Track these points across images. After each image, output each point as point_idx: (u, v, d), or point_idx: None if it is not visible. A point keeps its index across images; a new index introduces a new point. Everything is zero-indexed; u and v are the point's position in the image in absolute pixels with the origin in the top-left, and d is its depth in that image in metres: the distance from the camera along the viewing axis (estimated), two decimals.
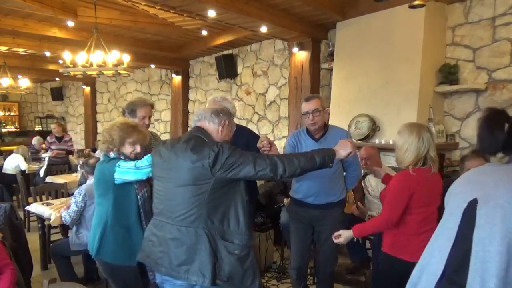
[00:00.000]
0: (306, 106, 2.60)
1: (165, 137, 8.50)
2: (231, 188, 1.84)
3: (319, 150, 1.97)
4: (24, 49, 6.41)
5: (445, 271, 1.33)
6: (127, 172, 2.11)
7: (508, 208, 1.20)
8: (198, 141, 1.86)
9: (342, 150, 1.98)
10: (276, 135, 6.33)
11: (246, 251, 1.85)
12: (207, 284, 1.74)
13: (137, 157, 2.23)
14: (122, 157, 2.20)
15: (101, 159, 2.30)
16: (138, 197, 2.20)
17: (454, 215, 1.36)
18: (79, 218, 3.21)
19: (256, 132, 5.27)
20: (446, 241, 1.36)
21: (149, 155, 2.13)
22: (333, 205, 2.70)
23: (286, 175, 1.83)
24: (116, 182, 2.13)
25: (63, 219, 3.25)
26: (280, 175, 1.81)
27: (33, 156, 7.38)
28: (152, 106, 2.74)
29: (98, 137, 9.95)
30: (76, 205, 3.17)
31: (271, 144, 2.37)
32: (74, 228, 3.25)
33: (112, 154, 2.21)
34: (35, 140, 7.90)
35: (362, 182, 3.54)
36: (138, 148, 2.23)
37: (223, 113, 2.00)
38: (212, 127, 1.95)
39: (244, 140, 2.64)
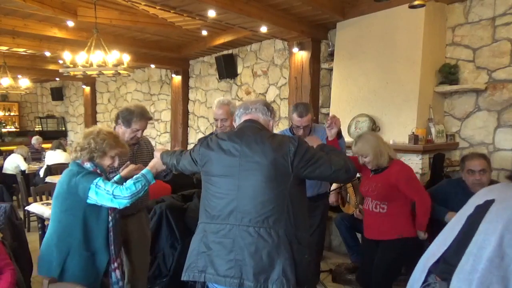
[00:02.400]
0: (298, 121, 2.70)
1: (165, 137, 8.50)
2: (300, 188, 1.75)
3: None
4: (24, 49, 6.40)
5: (444, 255, 1.44)
6: (102, 196, 1.89)
7: None
8: (269, 133, 1.75)
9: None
10: None
11: (311, 255, 1.73)
12: None
13: (113, 171, 2.13)
14: (98, 170, 2.01)
15: (70, 167, 2.02)
16: (110, 218, 2.01)
17: (467, 210, 1.47)
18: None
19: None
20: (451, 231, 1.47)
21: (131, 182, 1.93)
22: (321, 196, 2.99)
23: (353, 175, 1.74)
24: (88, 201, 1.92)
25: None
26: (350, 177, 1.72)
27: (33, 156, 7.38)
28: (150, 119, 2.58)
29: None
30: None
31: None
32: None
33: (88, 165, 2.00)
34: (35, 140, 7.91)
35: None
36: (116, 163, 2.08)
37: (271, 106, 1.91)
38: (265, 120, 1.83)
39: None
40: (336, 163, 1.66)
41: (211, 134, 2.55)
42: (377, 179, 2.60)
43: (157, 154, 2.13)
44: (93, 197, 1.90)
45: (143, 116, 2.47)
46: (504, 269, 1.21)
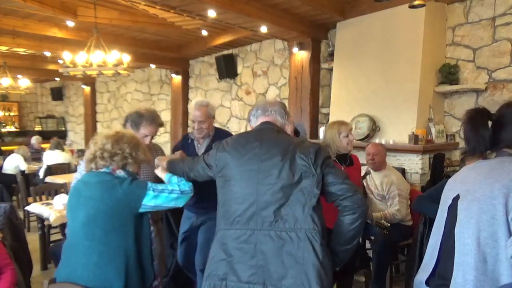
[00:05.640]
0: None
1: (165, 137, 8.49)
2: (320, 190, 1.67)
3: None
4: (24, 49, 6.41)
5: (436, 267, 1.38)
6: (164, 197, 1.75)
7: (484, 201, 1.21)
8: (288, 136, 1.73)
9: None
10: None
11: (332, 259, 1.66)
12: None
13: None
14: (130, 177, 1.80)
15: (102, 178, 1.74)
16: (151, 229, 1.80)
17: (444, 211, 1.40)
18: None
19: None
20: (436, 239, 1.41)
21: (180, 178, 1.87)
22: None
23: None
24: (140, 210, 1.71)
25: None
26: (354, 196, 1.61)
27: (33, 156, 7.38)
28: (161, 125, 2.42)
29: None
30: None
31: None
32: None
33: (121, 173, 1.78)
34: (34, 140, 7.91)
35: (363, 182, 3.48)
36: (140, 170, 1.93)
37: (287, 110, 1.87)
38: (282, 123, 1.79)
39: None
40: (345, 178, 1.61)
41: (186, 134, 2.34)
42: (351, 172, 2.48)
43: (162, 163, 2.04)
44: (150, 204, 1.73)
45: (153, 121, 2.33)
46: (491, 271, 1.16)
